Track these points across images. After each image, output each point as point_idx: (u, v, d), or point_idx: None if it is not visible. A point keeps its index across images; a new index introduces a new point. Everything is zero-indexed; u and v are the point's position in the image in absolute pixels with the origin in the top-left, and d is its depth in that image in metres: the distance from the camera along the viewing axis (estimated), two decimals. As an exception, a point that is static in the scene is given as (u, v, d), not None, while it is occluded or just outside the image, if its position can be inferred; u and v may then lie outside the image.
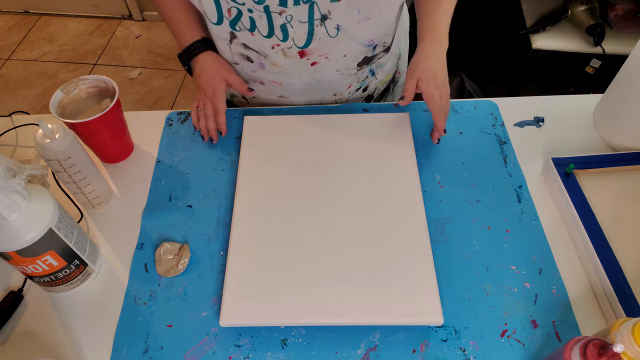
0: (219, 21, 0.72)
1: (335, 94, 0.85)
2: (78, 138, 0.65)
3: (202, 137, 0.78)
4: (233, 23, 0.71)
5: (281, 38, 0.72)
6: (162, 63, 2.23)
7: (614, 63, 0.99)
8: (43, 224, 0.54)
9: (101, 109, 0.71)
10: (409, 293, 0.58)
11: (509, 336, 0.59)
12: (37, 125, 0.59)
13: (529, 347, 0.58)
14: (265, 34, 0.71)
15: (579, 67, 1.45)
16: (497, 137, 0.78)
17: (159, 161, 0.77)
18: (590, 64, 1.43)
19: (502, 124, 0.80)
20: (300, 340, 0.59)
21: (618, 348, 0.42)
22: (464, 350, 0.58)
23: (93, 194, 0.69)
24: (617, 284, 0.59)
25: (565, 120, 0.80)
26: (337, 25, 0.71)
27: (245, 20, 0.70)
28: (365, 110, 0.82)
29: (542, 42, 1.41)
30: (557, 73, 1.51)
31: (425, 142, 0.77)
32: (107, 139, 0.73)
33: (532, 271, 0.63)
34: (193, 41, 0.79)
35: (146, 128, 0.81)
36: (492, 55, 1.64)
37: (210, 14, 0.71)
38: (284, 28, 0.70)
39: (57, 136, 0.60)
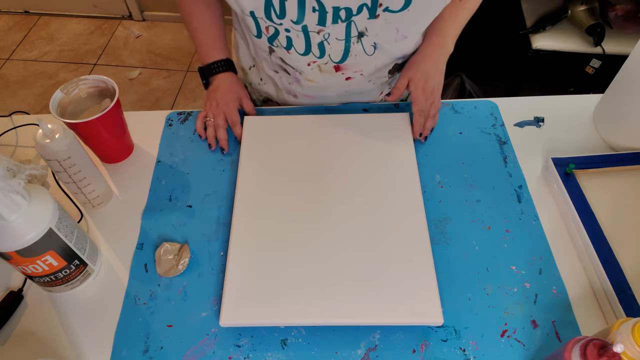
0: (259, 35, 0.73)
1: (367, 102, 0.86)
2: (78, 138, 0.65)
3: (210, 145, 0.78)
4: (271, 39, 0.72)
5: (318, 55, 0.73)
6: (162, 63, 2.23)
7: (614, 63, 0.99)
8: (43, 224, 0.54)
9: (101, 109, 0.71)
10: (409, 293, 0.58)
11: (509, 336, 0.59)
12: (37, 125, 0.59)
13: (529, 347, 0.58)
14: (302, 52, 0.73)
15: (579, 67, 1.45)
16: (497, 137, 0.78)
17: (159, 161, 0.77)
18: (590, 64, 1.43)
19: (502, 124, 0.79)
20: (300, 340, 0.59)
21: (618, 348, 0.42)
22: (464, 350, 0.58)
23: (93, 194, 0.69)
24: (617, 284, 0.59)
25: (565, 120, 0.80)
26: (374, 43, 0.71)
27: (282, 39, 0.71)
28: (365, 110, 0.82)
29: (542, 42, 1.41)
30: (557, 73, 1.51)
31: (426, 142, 0.77)
32: (107, 139, 0.73)
33: (532, 271, 0.63)
34: (219, 59, 0.80)
35: (146, 128, 0.81)
36: (492, 55, 1.64)
37: (252, 28, 0.72)
38: (321, 45, 0.71)
39: (57, 136, 0.60)
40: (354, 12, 0.65)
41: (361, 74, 0.78)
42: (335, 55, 0.73)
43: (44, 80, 2.17)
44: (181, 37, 2.32)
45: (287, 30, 0.69)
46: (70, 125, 0.68)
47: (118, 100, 0.70)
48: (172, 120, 0.82)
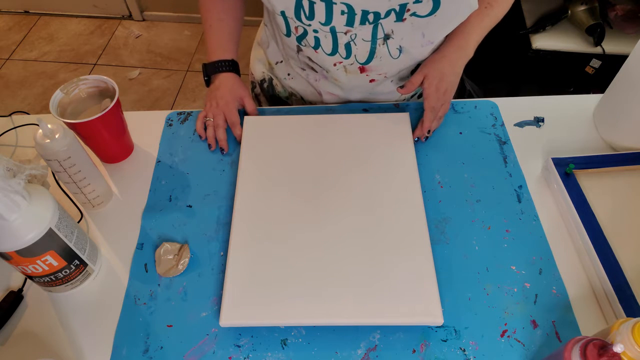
0: (288, 34, 0.73)
1: (371, 101, 0.86)
2: (78, 138, 0.65)
3: (209, 145, 0.78)
4: (299, 39, 0.73)
5: (344, 56, 0.74)
6: (162, 63, 2.23)
7: (614, 63, 0.99)
8: (43, 224, 0.54)
9: (101, 109, 0.71)
10: (409, 293, 0.58)
11: (509, 336, 0.59)
12: (37, 125, 0.59)
13: (529, 347, 0.58)
14: (329, 52, 0.73)
15: (578, 67, 1.45)
16: (497, 137, 0.78)
17: (159, 161, 0.77)
18: (590, 64, 1.43)
19: (502, 124, 0.79)
20: (300, 340, 0.59)
21: (618, 348, 0.42)
22: (464, 350, 0.58)
23: (93, 194, 0.69)
24: (617, 284, 0.59)
25: (565, 120, 0.80)
26: (400, 46, 0.72)
27: (310, 39, 0.72)
28: (365, 110, 0.82)
29: (542, 42, 1.41)
30: (557, 73, 1.51)
31: (426, 142, 0.77)
32: (107, 139, 0.73)
33: (532, 271, 0.63)
34: (224, 58, 0.80)
35: (146, 128, 0.81)
36: (492, 55, 1.64)
37: (281, 26, 0.72)
38: (347, 46, 0.72)
39: (57, 136, 0.60)
40: (382, 15, 0.66)
41: (385, 76, 0.79)
42: (361, 56, 0.74)
43: (44, 80, 2.17)
44: (181, 37, 2.32)
45: (316, 31, 0.70)
46: (70, 125, 0.68)
47: (118, 100, 0.70)
48: (172, 120, 0.82)
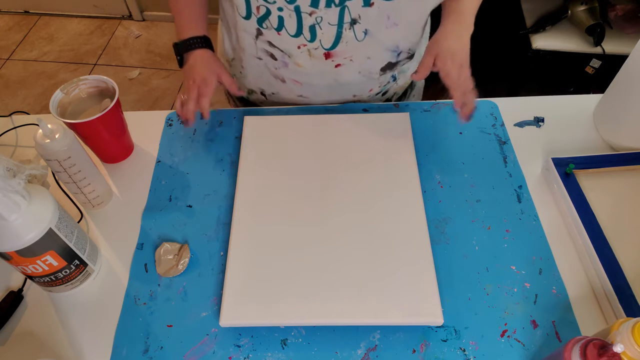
0: (248, 16, 0.71)
1: (354, 95, 0.85)
2: (78, 138, 0.65)
3: (183, 123, 0.75)
4: (261, 20, 0.71)
5: (309, 39, 0.72)
6: (161, 63, 2.23)
7: (614, 63, 0.99)
8: (43, 224, 0.54)
9: (101, 109, 0.71)
10: (409, 293, 0.58)
11: (509, 336, 0.59)
12: (37, 125, 0.59)
13: (529, 347, 0.58)
14: (293, 33, 0.71)
15: (579, 67, 1.45)
16: (497, 137, 0.78)
17: (159, 161, 0.77)
18: (590, 64, 1.43)
19: (502, 124, 0.79)
20: (300, 340, 0.59)
21: (618, 348, 0.42)
22: (464, 350, 0.58)
23: (93, 194, 0.69)
24: (617, 284, 0.59)
25: (565, 120, 0.80)
26: (365, 29, 0.71)
27: (273, 20, 0.70)
28: (365, 110, 0.82)
29: (542, 42, 1.41)
30: (557, 73, 1.51)
31: (426, 142, 0.77)
32: (107, 139, 0.73)
33: (532, 271, 0.63)
34: (196, 35, 0.77)
35: (146, 128, 0.81)
36: (492, 55, 1.64)
37: (240, 7, 0.71)
38: (312, 29, 0.70)
39: (57, 136, 0.60)
40: None
41: (350, 60, 0.77)
42: (327, 42, 0.72)
43: (44, 80, 2.17)
44: (181, 37, 2.32)
45: (280, 10, 0.68)
46: (70, 125, 0.68)
47: (118, 100, 0.70)
48: (172, 120, 0.82)
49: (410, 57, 0.83)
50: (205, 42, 0.78)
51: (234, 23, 0.77)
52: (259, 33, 0.74)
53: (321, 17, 0.68)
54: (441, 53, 0.70)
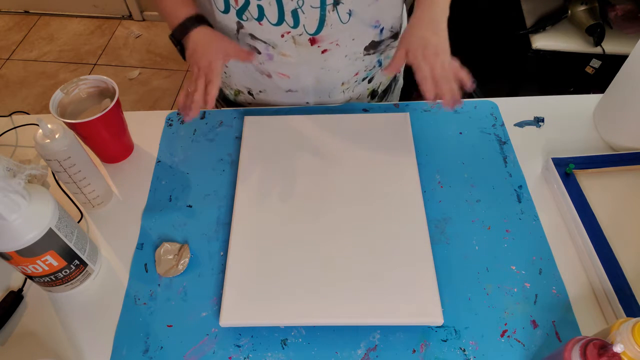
0: (226, 10, 0.70)
1: (343, 83, 0.84)
2: (78, 138, 0.65)
3: (182, 116, 0.71)
4: (240, 12, 0.69)
5: (292, 24, 0.70)
6: (161, 63, 2.23)
7: (614, 63, 0.99)
8: (43, 224, 0.54)
9: (101, 109, 0.71)
10: (409, 293, 0.58)
11: (509, 336, 0.58)
12: (37, 125, 0.59)
13: (529, 347, 0.58)
14: (275, 21, 0.70)
15: (579, 67, 1.45)
16: (497, 137, 0.78)
17: (159, 161, 0.77)
18: (590, 64, 1.43)
19: (502, 124, 0.79)
20: (300, 340, 0.59)
21: (618, 348, 0.42)
22: (464, 351, 0.58)
23: (93, 194, 0.69)
24: (617, 284, 0.59)
25: (565, 120, 0.80)
26: (350, 10, 0.70)
27: (252, 10, 0.69)
28: (365, 110, 0.82)
29: (542, 42, 1.41)
30: (557, 73, 1.51)
31: (425, 142, 0.77)
32: (107, 139, 0.73)
33: (532, 271, 0.63)
34: (189, 15, 0.72)
35: (146, 128, 0.81)
36: (492, 55, 1.64)
37: (218, 1, 0.69)
38: (295, 14, 0.69)
39: (57, 136, 0.60)
40: None
41: (337, 44, 0.75)
42: (310, 26, 0.71)
43: (44, 80, 2.17)
44: (181, 37, 2.32)
45: None
46: (70, 125, 0.68)
47: (118, 100, 0.70)
48: (172, 120, 0.82)
49: (394, 36, 0.82)
50: (199, 20, 0.73)
51: (212, 20, 0.75)
52: (240, 26, 0.72)
53: (302, 1, 0.67)
54: (411, 46, 0.66)
